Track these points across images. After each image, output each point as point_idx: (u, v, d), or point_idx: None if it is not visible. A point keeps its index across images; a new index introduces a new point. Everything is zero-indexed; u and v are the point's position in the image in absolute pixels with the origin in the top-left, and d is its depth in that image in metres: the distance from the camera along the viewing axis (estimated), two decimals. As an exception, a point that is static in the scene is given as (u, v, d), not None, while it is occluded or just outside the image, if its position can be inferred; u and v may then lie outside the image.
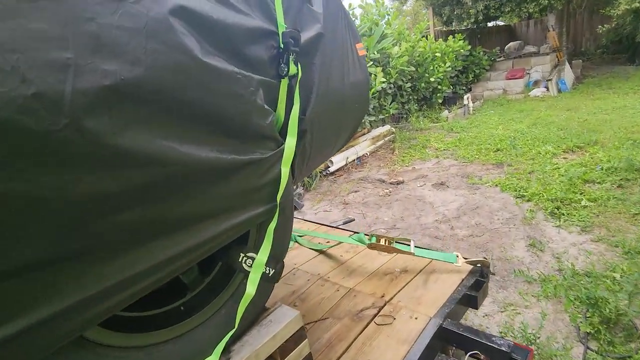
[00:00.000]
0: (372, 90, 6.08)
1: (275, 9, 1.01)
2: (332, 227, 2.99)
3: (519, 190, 4.10)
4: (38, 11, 0.53)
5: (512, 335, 2.18)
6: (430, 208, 4.17)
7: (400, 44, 7.10)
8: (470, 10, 10.31)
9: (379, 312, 1.67)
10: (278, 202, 1.01)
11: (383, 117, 6.90)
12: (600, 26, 11.99)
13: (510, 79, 10.56)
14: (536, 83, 10.19)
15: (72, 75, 0.55)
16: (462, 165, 5.37)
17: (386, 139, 6.93)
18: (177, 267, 0.83)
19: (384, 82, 6.27)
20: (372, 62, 6.25)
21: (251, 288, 0.93)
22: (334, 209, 4.62)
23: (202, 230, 0.85)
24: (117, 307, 0.75)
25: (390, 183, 5.15)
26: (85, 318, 0.67)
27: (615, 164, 4.15)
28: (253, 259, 1.00)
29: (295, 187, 5.30)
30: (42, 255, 0.58)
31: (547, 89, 9.60)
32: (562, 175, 4.21)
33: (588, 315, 2.21)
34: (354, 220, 3.87)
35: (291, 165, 1.17)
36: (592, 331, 2.11)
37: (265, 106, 0.94)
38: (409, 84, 7.65)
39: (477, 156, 5.59)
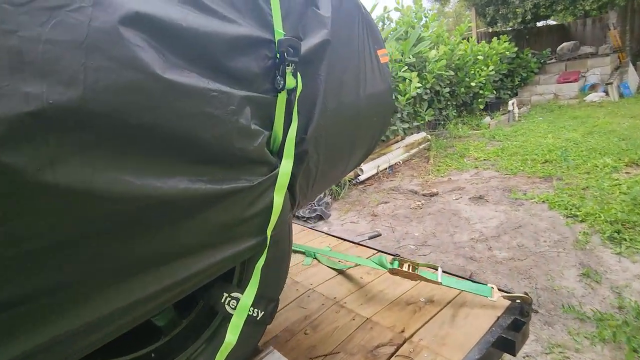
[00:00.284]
0: (407, 96, 5.81)
1: (272, 14, 0.88)
2: (355, 242, 2.82)
3: (571, 209, 3.65)
4: None
5: (559, 384, 1.87)
6: (466, 224, 3.84)
7: (438, 47, 6.76)
8: (517, 10, 9.63)
9: (396, 351, 1.48)
10: (269, 235, 0.87)
11: (418, 124, 6.58)
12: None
13: (562, 82, 9.71)
14: (593, 87, 9.28)
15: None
16: (504, 178, 4.94)
17: (421, 146, 6.59)
18: (144, 312, 0.72)
19: (419, 88, 5.98)
20: (407, 67, 5.98)
21: (231, 336, 0.80)
22: (362, 221, 4.42)
23: (174, 270, 0.74)
24: (73, 356, 0.66)
25: (423, 195, 4.85)
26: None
27: (692, 182, 3.58)
28: (238, 299, 0.87)
29: (323, 195, 5.17)
30: None
31: (607, 94, 8.69)
32: (624, 193, 3.70)
33: (656, 369, 1.85)
34: (381, 234, 3.66)
35: (291, 190, 1.04)
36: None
37: (253, 126, 0.81)
38: (447, 89, 7.26)
39: (521, 168, 5.12)
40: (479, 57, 8.15)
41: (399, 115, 6.07)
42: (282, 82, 0.88)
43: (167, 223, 0.69)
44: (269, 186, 0.87)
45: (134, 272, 0.68)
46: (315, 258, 2.53)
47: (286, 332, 1.66)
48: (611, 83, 8.65)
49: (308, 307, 1.96)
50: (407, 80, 5.82)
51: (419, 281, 1.93)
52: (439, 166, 5.81)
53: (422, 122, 6.56)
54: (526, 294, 1.72)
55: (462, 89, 7.72)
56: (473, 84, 7.74)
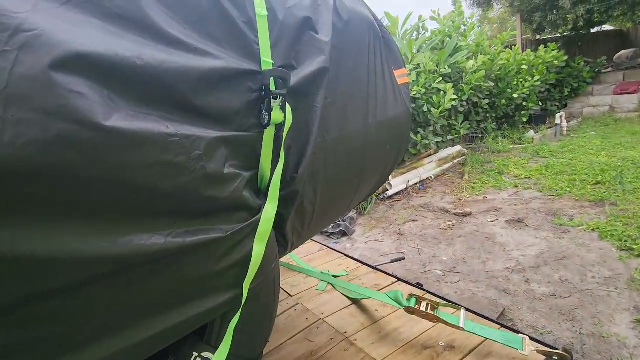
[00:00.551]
0: (441, 108, 5.54)
1: (258, 42, 0.79)
2: (374, 267, 2.66)
3: (626, 241, 3.21)
4: None
5: None
6: (501, 251, 3.51)
7: (477, 57, 6.41)
8: (568, 16, 8.95)
9: (406, 407, 1.32)
10: (245, 289, 0.77)
11: (452, 137, 6.25)
12: None
13: (620, 93, 8.85)
14: (656, 99, 8.37)
15: None
16: (547, 199, 4.51)
17: (455, 161, 6.25)
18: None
19: (454, 100, 5.68)
20: (441, 78, 5.71)
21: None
22: (387, 239, 4.22)
23: (136, 331, 0.66)
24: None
25: (455, 214, 4.54)
26: None
27: None
28: (208, 360, 0.78)
29: (348, 212, 5.04)
30: None
31: (672, 106, 7.80)
32: (693, 225, 3.21)
33: None
34: (405, 258, 3.44)
35: (282, 232, 0.93)
36: None
37: (229, 170, 0.72)
38: (486, 101, 6.86)
39: (568, 189, 4.66)
40: (523, 66, 7.64)
41: (431, 128, 5.80)
42: (267, 117, 0.78)
43: (123, 284, 0.61)
44: (248, 234, 0.77)
45: (92, 336, 0.61)
46: (331, 283, 2.40)
47: (289, 368, 1.55)
48: (678, 95, 7.75)
49: (316, 340, 1.84)
50: (442, 92, 5.56)
51: (438, 322, 1.75)
52: (474, 183, 5.45)
53: (457, 135, 6.23)
54: (566, 350, 1.48)
55: (503, 101, 7.26)
56: (515, 95, 7.25)
